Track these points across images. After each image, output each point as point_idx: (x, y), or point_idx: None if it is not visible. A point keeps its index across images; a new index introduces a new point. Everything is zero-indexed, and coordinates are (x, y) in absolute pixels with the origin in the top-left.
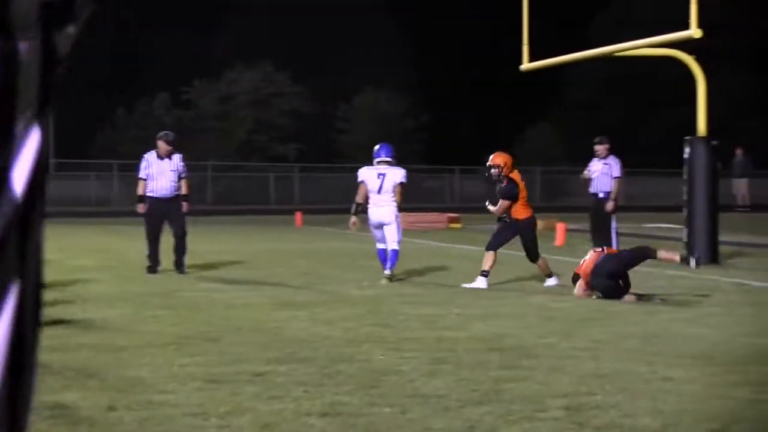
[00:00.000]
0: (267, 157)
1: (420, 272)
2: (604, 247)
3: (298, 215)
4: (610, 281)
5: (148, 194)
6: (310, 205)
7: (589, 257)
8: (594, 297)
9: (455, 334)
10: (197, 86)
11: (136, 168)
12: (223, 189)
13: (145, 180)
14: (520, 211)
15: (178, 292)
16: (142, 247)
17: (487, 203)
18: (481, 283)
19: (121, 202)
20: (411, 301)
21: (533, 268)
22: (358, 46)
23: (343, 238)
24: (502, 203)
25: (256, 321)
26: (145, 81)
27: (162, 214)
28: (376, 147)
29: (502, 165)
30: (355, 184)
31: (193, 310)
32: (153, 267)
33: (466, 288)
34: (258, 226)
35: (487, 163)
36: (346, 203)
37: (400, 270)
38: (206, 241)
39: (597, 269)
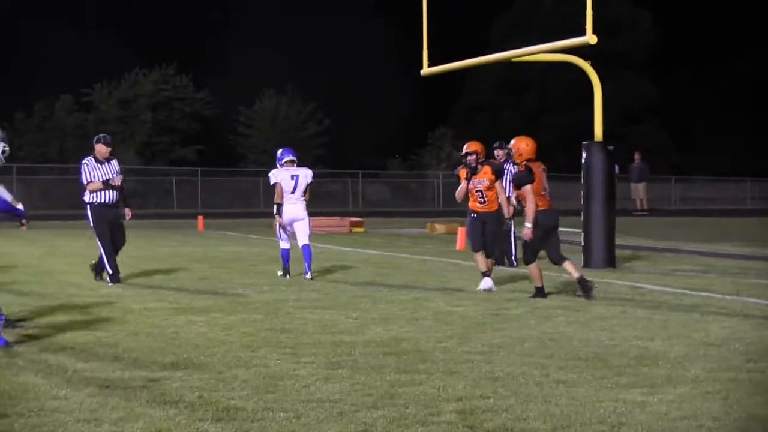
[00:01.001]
0: (169, 160)
1: (320, 277)
2: None
3: (200, 219)
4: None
5: (93, 201)
6: (213, 209)
7: None
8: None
9: (353, 339)
10: (98, 89)
11: (38, 172)
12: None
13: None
14: (493, 204)
15: (77, 297)
16: (39, 252)
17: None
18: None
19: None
20: (309, 306)
21: (430, 271)
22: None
23: (244, 243)
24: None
25: (154, 326)
26: (45, 83)
27: (111, 219)
28: (280, 151)
29: (480, 151)
30: (256, 189)
31: (91, 315)
32: (116, 275)
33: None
34: (160, 230)
35: (463, 152)
36: (248, 207)
37: (297, 272)
38: None
39: None
